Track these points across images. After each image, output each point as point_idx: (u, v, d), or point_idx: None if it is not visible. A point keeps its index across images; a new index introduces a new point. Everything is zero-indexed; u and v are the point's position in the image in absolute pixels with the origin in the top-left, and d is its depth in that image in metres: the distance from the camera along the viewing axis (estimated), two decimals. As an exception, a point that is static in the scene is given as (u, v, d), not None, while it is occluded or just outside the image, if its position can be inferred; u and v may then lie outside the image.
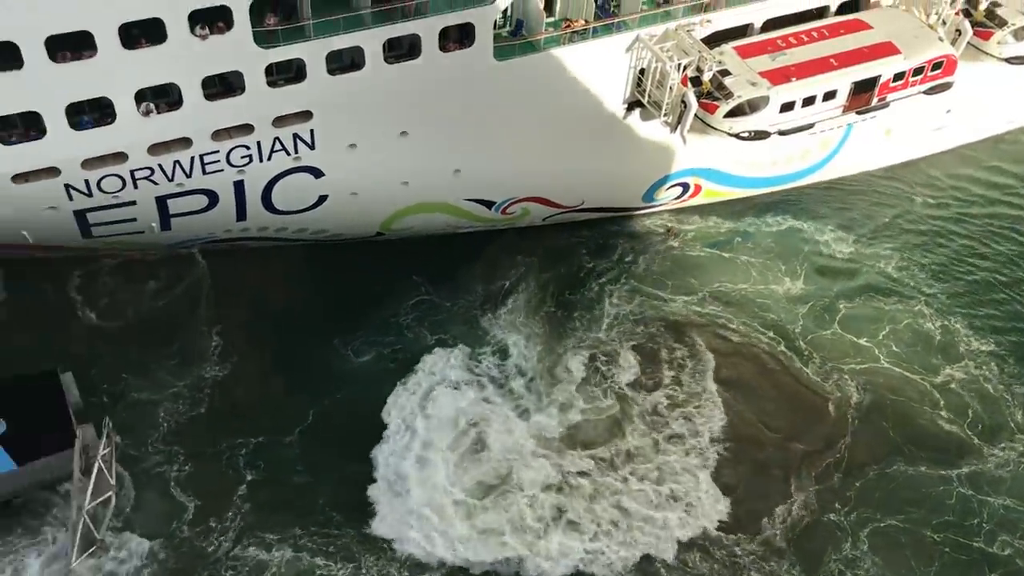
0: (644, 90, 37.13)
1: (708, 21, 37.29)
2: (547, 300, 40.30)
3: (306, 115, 32.82)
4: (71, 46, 28.33)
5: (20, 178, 30.33)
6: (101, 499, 30.69)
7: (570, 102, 36.91)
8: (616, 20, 35.71)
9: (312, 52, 31.26)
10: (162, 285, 38.73)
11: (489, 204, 40.02)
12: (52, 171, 30.62)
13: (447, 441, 34.85)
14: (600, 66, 36.16)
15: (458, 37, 33.21)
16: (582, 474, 34.52)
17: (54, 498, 32.02)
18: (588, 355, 38.20)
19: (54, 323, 36.98)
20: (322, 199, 36.18)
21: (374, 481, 33.67)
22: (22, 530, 31.37)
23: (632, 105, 37.95)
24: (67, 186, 31.21)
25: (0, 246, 34.83)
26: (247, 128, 32.26)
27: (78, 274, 38.33)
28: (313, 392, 36.06)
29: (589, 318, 39.68)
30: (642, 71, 36.87)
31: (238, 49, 30.19)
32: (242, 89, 31.21)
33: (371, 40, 31.78)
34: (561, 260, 41.86)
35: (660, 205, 43.72)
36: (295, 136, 33.15)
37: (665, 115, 36.95)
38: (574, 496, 33.80)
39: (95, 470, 30.32)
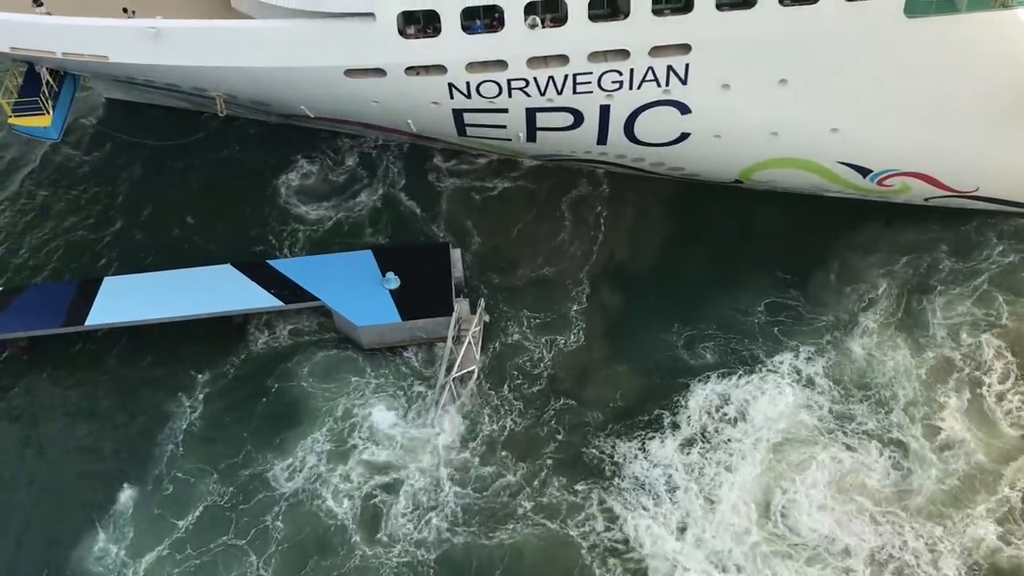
0: (1085, 73, 31.48)
1: None
2: (911, 307, 35.86)
3: (684, 48, 31.84)
4: None
5: (412, 71, 32.78)
6: (466, 371, 33.70)
7: (987, 74, 32.38)
8: (1070, -14, 30.31)
9: (705, -17, 30.11)
10: (565, 206, 39.24)
11: (865, 172, 36.64)
12: (440, 69, 32.70)
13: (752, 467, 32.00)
14: (1033, 38, 31.07)
15: (866, -15, 30.18)
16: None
17: (431, 355, 35.21)
18: (969, 387, 33.94)
19: (448, 208, 39.55)
20: (684, 136, 35.25)
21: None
22: (403, 375, 34.86)
23: (1065, 88, 32.41)
24: (450, 85, 33.20)
25: (388, 130, 38.46)
26: (623, 54, 32.03)
27: (493, 182, 40.13)
28: (636, 374, 34.64)
29: (967, 336, 35.19)
30: (1088, 50, 31.19)
31: None
32: (626, 14, 30.92)
33: (771, -22, 29.92)
34: (924, 255, 37.42)
35: (1074, 208, 37.42)
36: (669, 68, 32.37)
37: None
38: None
39: (465, 342, 33.42)
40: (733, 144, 35.65)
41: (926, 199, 38.05)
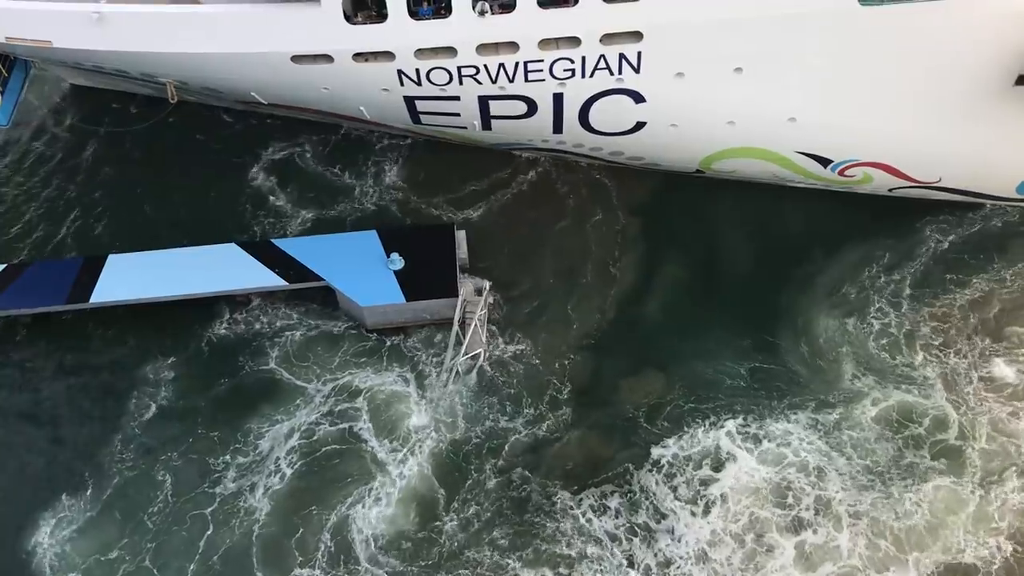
0: (1043, 63, 30.90)
1: None
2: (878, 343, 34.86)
3: (636, 36, 31.23)
4: None
5: (360, 57, 32.23)
6: (472, 353, 33.28)
7: (943, 64, 31.69)
8: (1024, -26, 29.70)
9: (656, -31, 29.53)
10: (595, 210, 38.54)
11: (825, 162, 36.09)
12: (388, 55, 32.14)
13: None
14: (990, 28, 30.40)
15: (821, -28, 29.59)
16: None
17: (435, 337, 34.92)
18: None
19: (456, 191, 39.15)
20: (640, 125, 34.69)
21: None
22: (405, 358, 34.58)
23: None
24: (400, 72, 32.65)
25: (344, 117, 37.92)
26: (574, 41, 31.43)
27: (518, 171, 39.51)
28: (606, 434, 33.15)
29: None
30: (1045, 39, 30.58)
31: None
32: (576, 0, 30.29)
33: (722, -38, 29.34)
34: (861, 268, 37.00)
35: (1039, 200, 36.94)
36: (621, 56, 31.77)
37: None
38: None
39: (472, 325, 32.93)
40: (690, 133, 35.09)
41: (890, 190, 37.54)
